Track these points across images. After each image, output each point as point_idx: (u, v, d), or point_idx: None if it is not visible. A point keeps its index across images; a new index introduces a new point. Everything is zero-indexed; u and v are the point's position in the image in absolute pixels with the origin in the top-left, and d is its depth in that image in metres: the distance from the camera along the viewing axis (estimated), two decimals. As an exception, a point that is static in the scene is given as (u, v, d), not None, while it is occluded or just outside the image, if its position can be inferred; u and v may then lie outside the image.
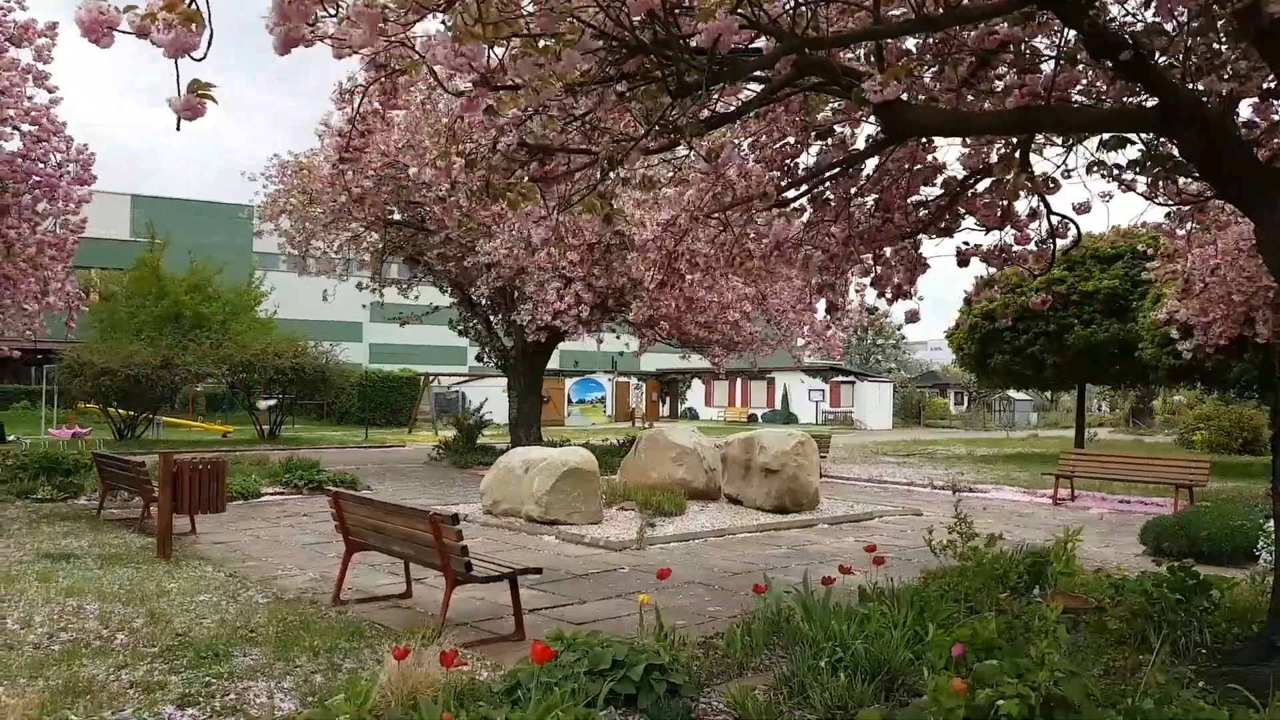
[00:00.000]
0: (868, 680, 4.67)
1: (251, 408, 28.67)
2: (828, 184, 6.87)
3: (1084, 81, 5.85)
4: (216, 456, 11.21)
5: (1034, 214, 7.04)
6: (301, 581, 8.13)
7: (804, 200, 6.93)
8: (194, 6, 2.60)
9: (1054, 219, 7.02)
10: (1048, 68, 5.58)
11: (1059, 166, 6.56)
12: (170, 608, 6.89)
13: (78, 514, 11.78)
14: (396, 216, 18.56)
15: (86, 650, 5.74)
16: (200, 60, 2.69)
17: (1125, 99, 5.78)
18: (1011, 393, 47.15)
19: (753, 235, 7.12)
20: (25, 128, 11.49)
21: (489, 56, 3.21)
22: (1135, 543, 10.58)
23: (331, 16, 3.03)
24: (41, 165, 11.73)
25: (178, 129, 2.83)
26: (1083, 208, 6.95)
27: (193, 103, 2.82)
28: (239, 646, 5.87)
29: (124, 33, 2.78)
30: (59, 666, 5.38)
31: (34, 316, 13.06)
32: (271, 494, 14.34)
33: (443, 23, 3.16)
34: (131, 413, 25.68)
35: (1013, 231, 7.05)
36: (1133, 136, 5.93)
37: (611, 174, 5.17)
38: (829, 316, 8.94)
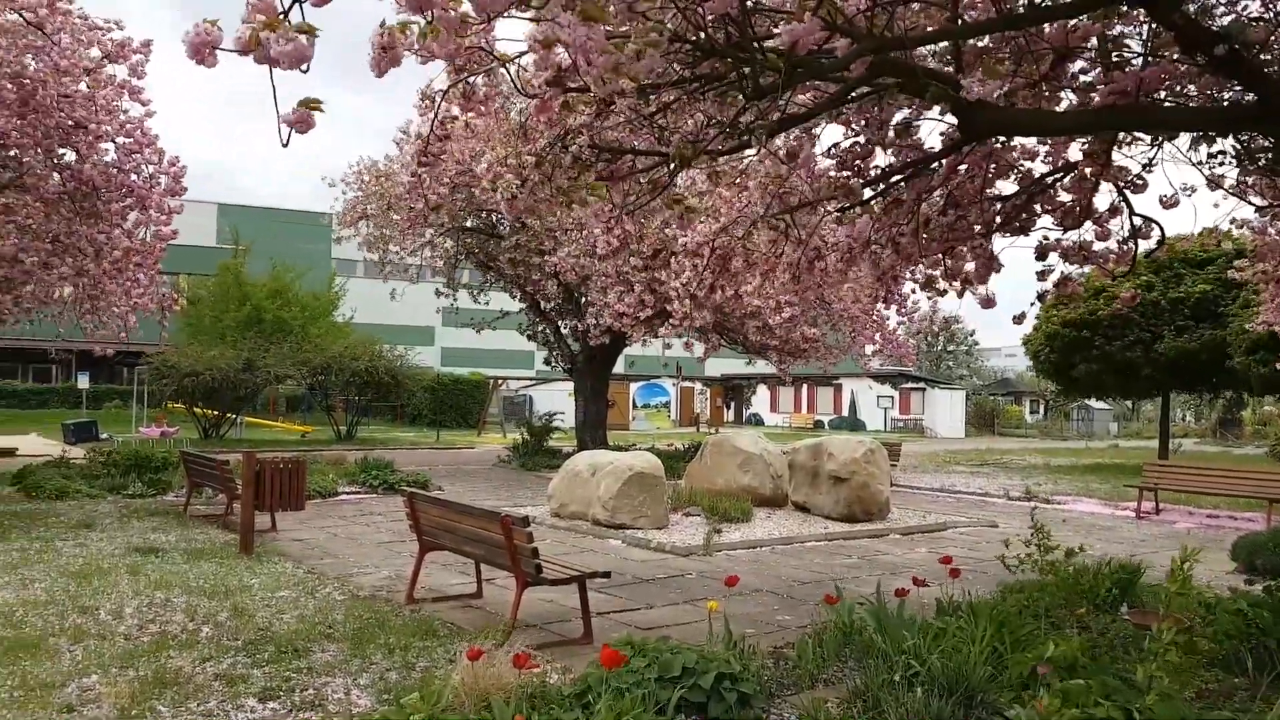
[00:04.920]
0: (945, 696, 4.56)
1: (329, 408, 29.37)
2: (901, 184, 6.74)
3: (1172, 77, 5.65)
4: (296, 456, 11.50)
5: (1114, 211, 6.80)
6: (376, 579, 8.29)
7: (876, 200, 6.80)
8: (291, 20, 2.68)
9: (1136, 219, 6.77)
10: (1130, 62, 5.40)
11: (1144, 166, 6.34)
12: (252, 602, 7.09)
13: (165, 510, 12.21)
14: (470, 224, 18.87)
15: (173, 642, 5.93)
16: (305, 73, 2.77)
17: (1216, 94, 5.56)
18: (1090, 401, 45.77)
19: (822, 237, 7.02)
20: (120, 140, 11.99)
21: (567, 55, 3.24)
22: (1225, 559, 10.15)
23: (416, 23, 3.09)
24: (134, 176, 12.22)
25: (285, 145, 2.90)
26: (1170, 201, 6.67)
27: (304, 115, 2.90)
28: (317, 642, 6.01)
29: (227, 50, 2.87)
30: (147, 657, 5.58)
31: (124, 317, 13.61)
32: (348, 493, 14.66)
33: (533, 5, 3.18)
34: (215, 412, 26.56)
35: (1093, 228, 6.81)
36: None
37: (680, 174, 5.17)
38: (887, 303, 8.73)
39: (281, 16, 2.68)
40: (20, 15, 10.46)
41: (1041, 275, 7.08)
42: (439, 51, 3.15)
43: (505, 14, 3.15)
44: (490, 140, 5.26)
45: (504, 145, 4.97)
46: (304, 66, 2.74)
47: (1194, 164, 6.12)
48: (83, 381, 29.98)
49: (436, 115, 4.81)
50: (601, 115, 4.42)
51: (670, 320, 15.05)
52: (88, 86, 11.23)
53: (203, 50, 2.81)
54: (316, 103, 2.90)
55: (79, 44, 11.24)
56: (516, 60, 4.45)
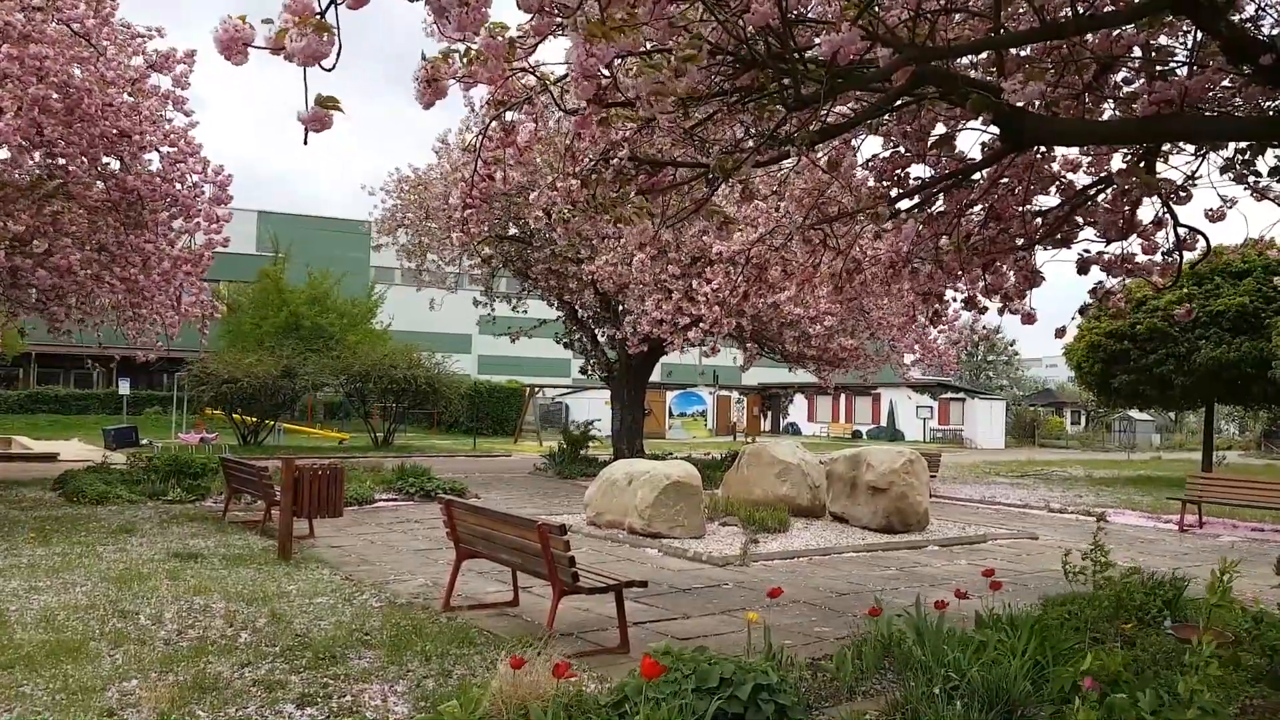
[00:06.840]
0: (985, 709, 4.50)
1: (366, 415, 29.68)
2: (939, 195, 6.68)
3: (1218, 87, 5.55)
4: (334, 463, 11.63)
5: (1159, 223, 6.69)
6: (413, 586, 8.35)
7: (914, 212, 6.75)
8: (323, 19, 2.70)
9: (1181, 230, 6.65)
10: (1174, 71, 5.32)
11: (1189, 177, 6.23)
12: (290, 608, 7.16)
13: (204, 515, 12.38)
14: (512, 231, 19.00)
15: (212, 647, 6.00)
16: (330, 70, 2.76)
17: (1264, 103, 5.46)
18: (1133, 413, 44.97)
19: (861, 250, 6.98)
20: (164, 149, 12.21)
21: (607, 71, 3.26)
22: (1270, 573, 9.90)
23: (459, 51, 3.12)
24: (179, 185, 12.43)
25: (305, 142, 2.94)
26: (1216, 215, 6.55)
27: (320, 114, 2.91)
28: (355, 649, 6.06)
29: (258, 48, 2.87)
30: (187, 662, 5.64)
31: (170, 325, 13.85)
32: (385, 500, 14.77)
33: (574, 26, 3.19)
34: (254, 419, 26.90)
35: (1138, 240, 6.71)
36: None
37: (721, 186, 5.17)
38: (933, 324, 8.64)
39: (317, 16, 2.69)
40: (68, 26, 10.71)
41: (1094, 291, 6.98)
42: (485, 77, 3.16)
43: (553, 35, 3.17)
44: (534, 160, 5.29)
45: (550, 168, 5.00)
46: (328, 65, 2.70)
47: (1237, 179, 6.00)
48: (123, 387, 30.47)
49: (479, 155, 4.84)
50: (642, 129, 4.43)
51: (700, 324, 14.94)
52: (131, 96, 11.45)
53: (232, 47, 2.82)
54: (334, 101, 2.91)
55: (124, 53, 11.48)
56: (558, 83, 4.48)
